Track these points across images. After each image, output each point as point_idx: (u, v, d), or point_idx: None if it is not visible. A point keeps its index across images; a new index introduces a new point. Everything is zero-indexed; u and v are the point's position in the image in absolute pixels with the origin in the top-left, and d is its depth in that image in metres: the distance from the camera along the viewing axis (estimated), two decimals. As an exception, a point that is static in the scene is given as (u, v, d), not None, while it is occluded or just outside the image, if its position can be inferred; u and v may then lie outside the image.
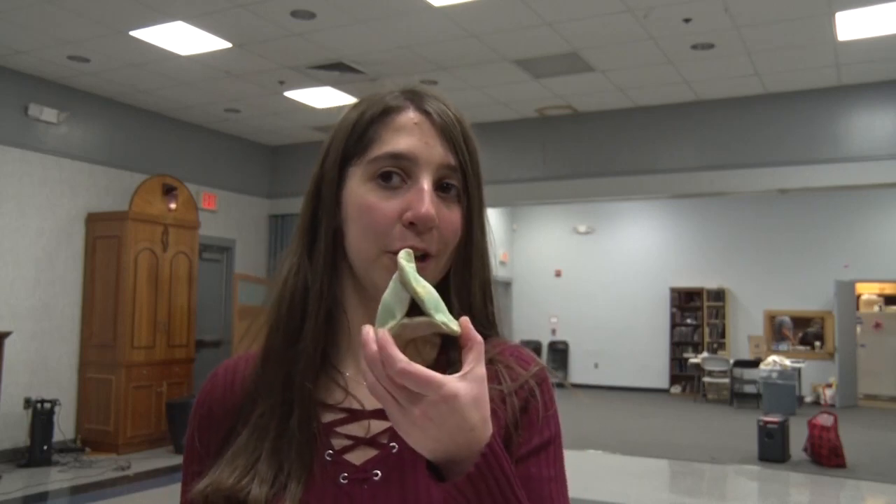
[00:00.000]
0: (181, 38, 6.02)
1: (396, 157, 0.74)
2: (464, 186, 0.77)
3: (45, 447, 6.54)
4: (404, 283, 0.64)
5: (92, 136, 7.58)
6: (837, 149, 6.91)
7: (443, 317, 0.63)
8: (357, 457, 0.75)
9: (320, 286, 0.77)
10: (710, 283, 13.22)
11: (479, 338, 0.63)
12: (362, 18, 5.62)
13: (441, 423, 0.60)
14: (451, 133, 0.76)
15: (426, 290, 0.64)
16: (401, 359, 0.59)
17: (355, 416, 0.77)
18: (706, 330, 13.23)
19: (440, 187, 0.75)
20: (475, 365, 0.62)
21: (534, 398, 0.78)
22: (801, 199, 12.08)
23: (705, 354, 12.45)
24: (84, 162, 7.44)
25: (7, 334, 6.25)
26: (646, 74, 6.82)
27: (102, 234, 7.37)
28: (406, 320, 0.63)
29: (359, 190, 0.75)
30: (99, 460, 6.77)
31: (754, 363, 11.48)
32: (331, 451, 0.75)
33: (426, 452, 0.63)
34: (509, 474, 0.64)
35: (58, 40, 6.10)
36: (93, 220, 7.43)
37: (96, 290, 7.34)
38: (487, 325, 0.83)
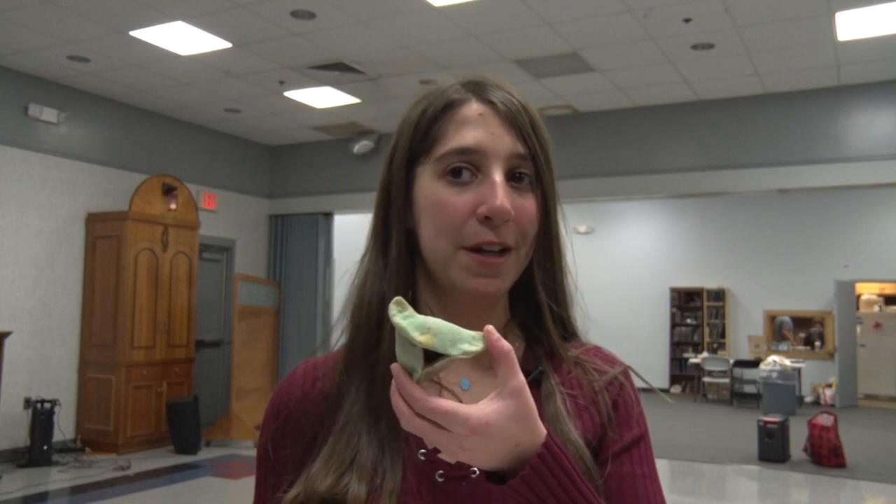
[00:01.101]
0: (181, 38, 6.02)
1: (464, 151, 0.72)
2: (536, 174, 0.75)
3: (45, 447, 6.53)
4: (410, 340, 0.61)
5: (92, 136, 7.58)
6: (837, 149, 6.91)
7: (463, 346, 0.61)
8: None
9: (396, 288, 0.76)
10: (710, 283, 13.22)
11: (506, 347, 0.61)
12: (362, 18, 5.62)
13: (483, 449, 0.60)
14: (518, 121, 0.74)
15: (432, 333, 0.61)
16: (420, 397, 0.59)
17: None
18: (706, 330, 13.22)
19: (512, 177, 0.74)
20: (509, 378, 0.60)
21: (624, 394, 0.78)
22: (801, 199, 12.07)
23: (705, 354, 12.44)
24: (84, 162, 7.44)
25: (7, 334, 6.25)
26: (646, 74, 6.82)
27: (102, 234, 7.37)
28: (428, 368, 0.62)
29: (429, 188, 0.74)
30: (99, 460, 6.77)
31: (754, 363, 11.48)
32: (423, 451, 0.73)
33: (481, 467, 0.63)
34: (569, 469, 0.63)
35: (58, 40, 6.10)
36: (93, 220, 7.43)
37: (96, 290, 7.34)
38: (568, 318, 0.83)
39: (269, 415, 0.82)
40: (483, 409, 0.60)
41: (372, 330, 0.76)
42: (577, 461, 0.70)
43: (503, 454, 0.61)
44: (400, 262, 0.76)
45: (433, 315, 0.77)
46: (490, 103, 0.75)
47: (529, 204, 0.74)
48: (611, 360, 0.82)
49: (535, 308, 0.80)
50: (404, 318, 0.62)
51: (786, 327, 12.77)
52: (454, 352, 0.60)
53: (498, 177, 0.71)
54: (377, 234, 0.79)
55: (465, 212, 0.71)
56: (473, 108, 0.74)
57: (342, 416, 0.75)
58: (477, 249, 0.72)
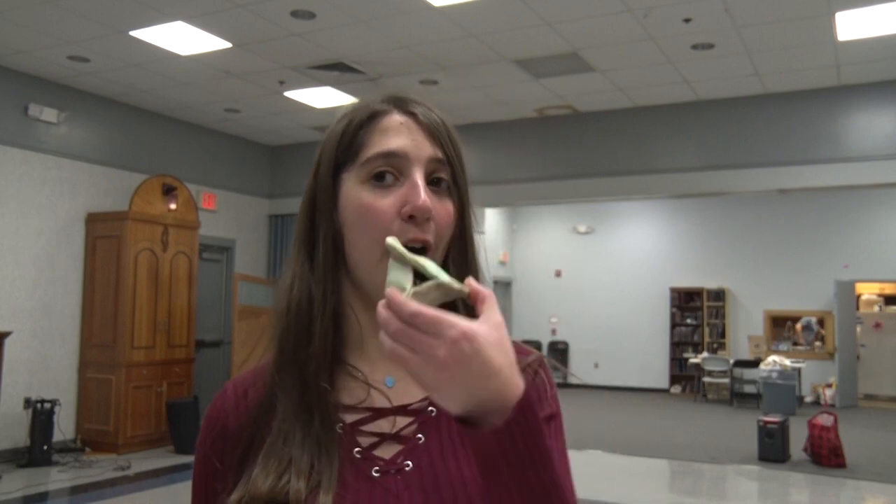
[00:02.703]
0: (181, 38, 6.02)
1: (388, 155, 0.77)
2: (453, 178, 0.80)
3: (45, 447, 6.53)
4: (402, 258, 0.68)
5: (92, 136, 7.57)
6: (837, 149, 6.91)
7: (448, 278, 0.66)
8: (385, 451, 0.77)
9: (324, 289, 0.80)
10: (710, 283, 13.22)
11: (488, 290, 0.65)
12: (362, 18, 5.62)
13: (466, 366, 0.61)
14: (437, 130, 0.80)
15: (425, 260, 0.68)
16: (410, 304, 0.62)
17: (379, 413, 0.79)
18: (706, 330, 13.23)
19: (431, 182, 0.79)
20: (491, 314, 0.64)
21: (537, 380, 0.82)
22: (801, 199, 12.08)
23: (705, 354, 12.44)
24: (84, 162, 7.44)
25: (7, 334, 6.25)
26: (646, 74, 6.82)
27: (102, 234, 7.37)
28: (416, 288, 0.66)
29: (354, 193, 0.78)
30: (99, 460, 6.77)
31: (754, 363, 11.48)
32: (359, 449, 0.77)
33: (458, 405, 0.63)
34: (541, 426, 0.65)
35: (58, 40, 6.10)
36: (93, 220, 7.43)
37: (96, 290, 7.34)
38: None
39: (204, 429, 0.84)
40: (471, 322, 0.62)
41: (302, 329, 0.79)
42: None
43: (484, 380, 0.62)
44: (326, 265, 0.81)
45: (357, 319, 0.82)
46: (411, 114, 0.80)
47: (447, 207, 0.79)
48: (527, 351, 0.85)
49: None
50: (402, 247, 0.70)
51: (800, 325, 12.69)
52: (444, 277, 0.66)
53: (419, 178, 0.77)
54: (302, 239, 0.83)
55: (389, 213, 0.76)
56: (395, 118, 0.80)
57: (277, 417, 0.78)
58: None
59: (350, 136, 0.81)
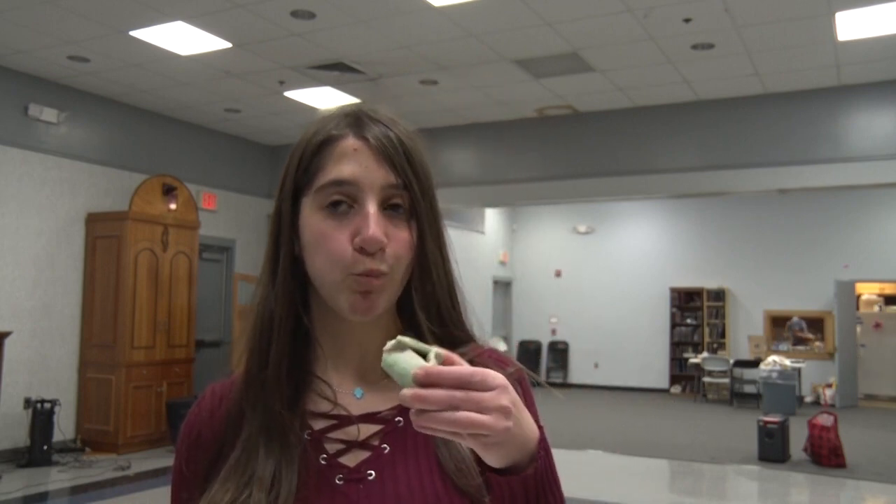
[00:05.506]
0: (181, 38, 6.02)
1: (339, 183, 0.77)
2: (409, 202, 0.79)
3: (45, 447, 6.54)
4: (406, 346, 0.65)
5: (92, 136, 7.57)
6: (837, 149, 6.91)
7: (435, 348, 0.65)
8: (350, 459, 0.78)
9: (280, 311, 0.81)
10: (710, 283, 13.22)
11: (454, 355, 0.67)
12: (362, 18, 5.62)
13: (519, 406, 0.65)
14: (390, 154, 0.78)
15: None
16: (458, 367, 0.63)
17: (346, 421, 0.80)
18: (706, 330, 13.22)
19: (389, 206, 0.78)
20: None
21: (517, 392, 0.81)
22: (801, 199, 12.08)
23: (705, 354, 12.44)
24: (84, 162, 7.44)
25: (7, 334, 6.25)
26: (646, 74, 6.82)
27: (102, 234, 7.37)
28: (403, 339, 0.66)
29: (312, 220, 0.79)
30: (99, 460, 6.77)
31: (754, 363, 11.48)
32: (325, 456, 0.78)
33: (513, 451, 0.67)
34: (553, 466, 0.72)
35: (58, 40, 6.10)
36: (93, 220, 7.43)
37: (96, 290, 7.34)
38: (462, 329, 0.86)
39: (182, 436, 0.86)
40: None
41: (266, 349, 0.81)
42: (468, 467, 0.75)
43: (527, 423, 0.68)
44: (286, 287, 0.81)
45: (326, 335, 0.83)
46: (364, 139, 0.79)
47: (403, 233, 0.78)
48: (505, 361, 0.84)
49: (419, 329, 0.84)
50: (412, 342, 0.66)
51: (795, 328, 12.69)
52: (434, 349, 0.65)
53: (371, 208, 0.76)
54: (269, 259, 0.84)
55: (344, 243, 0.76)
56: (349, 143, 0.79)
57: (243, 434, 0.80)
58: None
59: (307, 160, 0.81)
